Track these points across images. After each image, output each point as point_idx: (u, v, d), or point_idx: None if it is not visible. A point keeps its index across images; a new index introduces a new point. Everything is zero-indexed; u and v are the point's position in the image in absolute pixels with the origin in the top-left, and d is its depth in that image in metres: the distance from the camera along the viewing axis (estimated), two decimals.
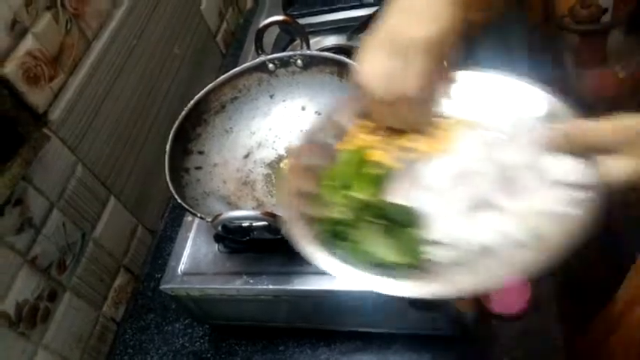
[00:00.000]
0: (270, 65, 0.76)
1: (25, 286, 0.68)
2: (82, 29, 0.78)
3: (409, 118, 0.48)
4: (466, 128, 0.49)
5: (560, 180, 0.41)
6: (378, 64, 0.47)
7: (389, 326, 0.67)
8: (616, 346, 0.65)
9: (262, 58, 0.76)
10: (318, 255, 0.43)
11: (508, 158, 0.44)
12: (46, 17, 0.72)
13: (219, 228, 0.58)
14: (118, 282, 0.86)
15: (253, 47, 0.78)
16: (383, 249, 0.43)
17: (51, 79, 0.72)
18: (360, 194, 0.48)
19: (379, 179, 0.49)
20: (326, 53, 0.75)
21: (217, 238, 0.67)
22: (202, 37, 1.11)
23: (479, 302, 0.66)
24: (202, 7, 1.11)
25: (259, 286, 0.63)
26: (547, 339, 0.63)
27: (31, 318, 0.69)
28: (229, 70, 0.76)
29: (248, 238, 0.60)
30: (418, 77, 0.45)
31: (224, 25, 1.21)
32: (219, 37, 1.18)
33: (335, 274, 0.42)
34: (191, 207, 0.63)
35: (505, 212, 0.42)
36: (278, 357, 0.71)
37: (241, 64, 0.77)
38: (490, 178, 0.43)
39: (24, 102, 0.68)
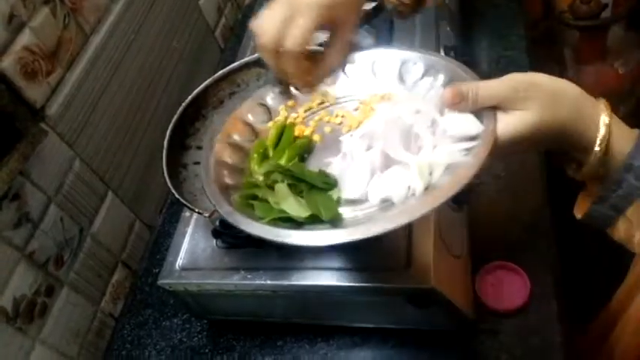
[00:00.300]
0: None
1: (22, 282, 0.68)
2: (80, 24, 0.78)
3: (289, 69, 0.54)
4: (383, 100, 0.55)
5: (455, 135, 0.46)
6: (272, 17, 0.52)
7: (387, 322, 0.67)
8: (614, 343, 0.65)
9: None
10: (235, 216, 0.48)
11: (411, 118, 0.48)
12: (44, 11, 0.72)
13: (217, 223, 0.58)
14: (115, 277, 0.85)
15: (252, 42, 0.77)
16: (297, 207, 0.47)
17: (48, 73, 0.72)
18: (278, 160, 0.54)
19: (300, 149, 0.55)
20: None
21: (215, 234, 0.67)
22: (201, 32, 1.11)
23: (478, 299, 0.66)
24: (201, 2, 1.10)
25: (257, 282, 0.63)
26: (546, 337, 0.63)
27: (28, 313, 0.69)
28: (227, 65, 0.76)
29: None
30: (298, 33, 0.51)
31: (222, 20, 1.21)
32: (217, 32, 1.18)
33: (250, 232, 0.46)
34: (189, 202, 0.63)
35: (405, 167, 0.46)
36: (276, 352, 0.71)
37: (240, 59, 0.76)
38: (394, 136, 0.48)
39: (21, 97, 0.68)
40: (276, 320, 0.73)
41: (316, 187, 0.50)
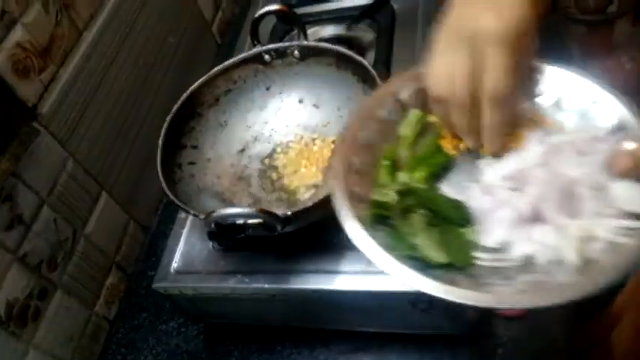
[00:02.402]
0: (266, 56, 0.74)
1: (15, 285, 0.66)
2: (73, 19, 0.76)
3: (491, 121, 0.42)
4: (536, 127, 0.45)
5: (625, 209, 0.39)
6: (452, 61, 0.41)
7: (389, 326, 0.66)
8: (615, 343, 0.64)
9: (258, 48, 0.74)
10: (359, 236, 0.40)
11: (574, 172, 0.41)
12: (36, 7, 0.70)
13: (213, 225, 0.57)
14: (110, 280, 0.84)
15: (249, 37, 0.76)
16: (433, 247, 0.40)
17: (41, 71, 0.71)
18: (412, 177, 0.45)
19: (436, 167, 0.46)
20: (324, 44, 0.73)
21: (211, 236, 0.66)
22: (197, 27, 1.09)
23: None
24: None
25: (255, 285, 0.62)
26: (548, 339, 0.62)
27: (21, 317, 0.67)
28: (224, 61, 0.74)
29: (243, 235, 0.59)
30: (500, 74, 0.40)
31: (219, 14, 1.19)
32: (214, 27, 1.16)
33: (373, 260, 0.39)
34: (184, 203, 0.61)
35: (559, 229, 0.39)
36: (274, 357, 0.70)
37: (237, 55, 0.75)
38: (551, 189, 0.40)
39: (13, 95, 0.66)
40: (274, 324, 0.71)
41: (451, 222, 0.42)
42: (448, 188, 0.45)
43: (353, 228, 0.41)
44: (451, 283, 0.37)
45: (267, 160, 0.74)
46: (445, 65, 0.41)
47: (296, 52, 0.73)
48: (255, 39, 0.75)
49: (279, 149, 0.75)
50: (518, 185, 0.42)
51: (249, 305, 0.67)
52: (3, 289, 0.65)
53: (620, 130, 0.42)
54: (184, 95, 0.71)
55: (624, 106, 0.43)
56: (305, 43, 0.73)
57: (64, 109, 0.74)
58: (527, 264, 0.39)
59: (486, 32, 0.39)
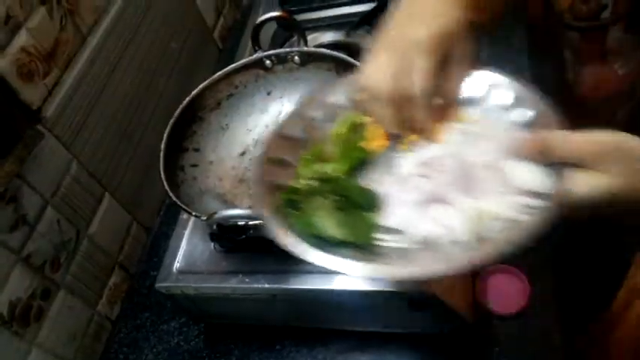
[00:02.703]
0: (267, 62, 0.75)
1: (18, 285, 0.67)
2: (77, 25, 0.77)
3: (413, 118, 0.48)
4: (456, 120, 0.50)
5: (520, 187, 0.42)
6: (382, 65, 0.47)
7: (386, 325, 0.67)
8: (613, 343, 0.65)
9: (259, 54, 0.75)
10: (271, 221, 0.44)
11: (473, 156, 0.45)
12: (41, 12, 0.71)
13: (215, 227, 0.58)
14: (112, 280, 0.85)
15: (250, 43, 0.77)
16: (334, 227, 0.44)
17: (45, 75, 0.72)
18: (331, 169, 0.49)
19: (354, 161, 0.50)
20: (324, 50, 0.74)
21: (213, 237, 0.67)
22: (199, 33, 1.10)
23: (478, 302, 0.66)
24: (199, 2, 1.10)
25: (255, 285, 0.62)
26: (546, 339, 0.63)
27: (24, 317, 0.68)
28: (226, 66, 0.75)
29: (244, 236, 0.60)
30: (421, 77, 0.45)
31: (221, 20, 1.20)
32: (216, 33, 1.18)
33: (281, 241, 0.43)
34: (186, 205, 0.62)
35: (458, 210, 0.42)
36: (274, 356, 0.70)
37: (238, 60, 0.76)
38: (456, 173, 0.44)
39: (18, 99, 0.67)
40: (274, 324, 0.72)
41: (358, 206, 0.46)
42: (365, 179, 0.49)
43: (267, 215, 0.45)
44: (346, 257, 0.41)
45: None
46: (378, 66, 0.47)
47: (296, 58, 0.75)
48: (256, 45, 0.76)
49: None
50: (427, 172, 0.46)
51: (249, 305, 0.68)
52: (6, 290, 0.65)
53: (531, 121, 0.46)
54: (187, 99, 0.72)
55: (540, 102, 0.46)
56: (305, 49, 0.75)
57: (68, 113, 0.75)
58: (428, 243, 0.42)
59: (414, 40, 0.45)
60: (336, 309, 0.65)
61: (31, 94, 0.69)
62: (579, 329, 0.72)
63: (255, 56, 0.75)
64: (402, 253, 0.42)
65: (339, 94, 0.54)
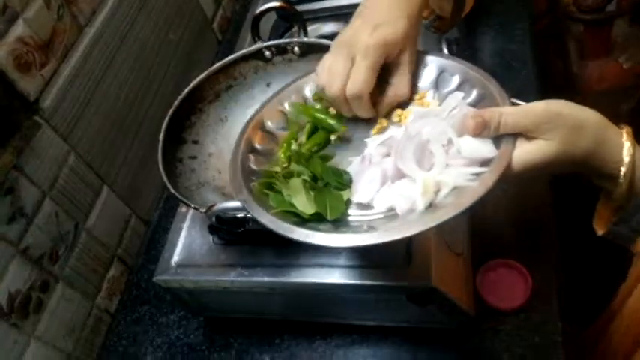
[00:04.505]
0: (267, 52, 0.74)
1: (17, 277, 0.67)
2: (75, 15, 0.77)
3: (358, 111, 0.56)
4: (415, 105, 0.57)
5: (470, 157, 0.46)
6: (334, 66, 0.55)
7: (387, 320, 0.66)
8: (612, 334, 0.65)
9: (259, 45, 0.74)
10: (252, 203, 0.49)
11: (430, 134, 0.49)
12: (38, 2, 0.70)
13: (213, 219, 0.57)
14: (111, 273, 0.85)
15: (250, 34, 0.76)
16: (306, 203, 0.48)
17: (42, 66, 0.71)
18: (301, 147, 0.56)
19: (318, 141, 0.57)
20: (324, 41, 0.73)
21: (212, 230, 0.66)
22: (198, 24, 1.10)
23: (479, 297, 0.65)
24: None
25: (254, 278, 0.62)
26: (547, 334, 0.63)
27: (23, 309, 0.68)
28: (225, 57, 0.74)
29: (243, 229, 0.59)
30: (360, 77, 0.53)
31: (220, 11, 1.19)
32: (215, 24, 1.17)
33: (259, 220, 0.48)
34: (185, 197, 0.62)
35: (413, 182, 0.48)
36: (273, 350, 0.70)
37: (237, 51, 0.75)
38: (411, 149, 0.49)
39: (15, 89, 0.67)
40: (273, 317, 0.72)
41: (330, 186, 0.51)
42: (339, 161, 0.55)
43: (242, 195, 0.51)
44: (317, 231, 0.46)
45: None
46: (330, 65, 0.55)
47: (296, 49, 0.74)
48: (256, 35, 0.75)
49: None
50: (389, 151, 0.52)
51: (248, 298, 0.68)
52: (5, 281, 0.65)
53: (481, 99, 0.52)
54: (185, 91, 0.71)
55: (489, 82, 0.52)
56: (305, 39, 0.74)
57: (65, 104, 0.74)
58: (391, 215, 0.48)
59: (360, 44, 0.53)
60: (336, 302, 0.65)
61: (28, 85, 0.68)
62: (581, 325, 0.72)
63: (254, 47, 0.75)
64: (371, 225, 0.47)
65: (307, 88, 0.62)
